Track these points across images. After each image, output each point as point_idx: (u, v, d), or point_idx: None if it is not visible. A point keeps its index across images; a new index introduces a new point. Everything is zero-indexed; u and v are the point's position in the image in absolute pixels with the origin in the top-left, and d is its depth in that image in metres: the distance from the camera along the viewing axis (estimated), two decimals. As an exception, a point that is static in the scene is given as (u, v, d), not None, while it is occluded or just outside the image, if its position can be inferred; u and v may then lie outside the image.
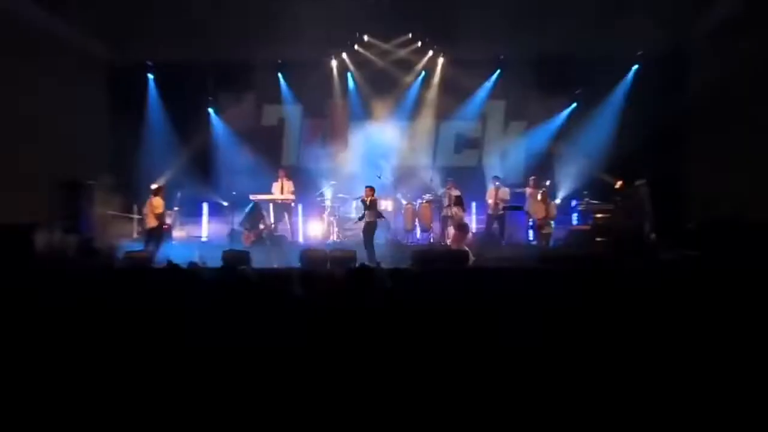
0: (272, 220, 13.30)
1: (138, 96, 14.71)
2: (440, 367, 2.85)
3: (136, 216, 13.34)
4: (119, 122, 14.05)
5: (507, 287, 4.22)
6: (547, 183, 13.39)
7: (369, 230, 11.54)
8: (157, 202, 11.53)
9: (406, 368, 2.83)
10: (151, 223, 11.48)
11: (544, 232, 12.40)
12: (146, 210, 11.61)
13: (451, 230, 12.64)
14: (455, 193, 13.11)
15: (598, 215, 12.83)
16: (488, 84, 14.95)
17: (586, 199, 13.34)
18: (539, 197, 12.74)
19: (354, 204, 13.72)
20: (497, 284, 4.44)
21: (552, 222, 12.62)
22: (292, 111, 15.59)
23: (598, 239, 11.86)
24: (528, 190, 13.10)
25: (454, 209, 12.55)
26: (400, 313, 3.36)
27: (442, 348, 2.94)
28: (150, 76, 14.97)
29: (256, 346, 3.03)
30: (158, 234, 11.54)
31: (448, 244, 12.86)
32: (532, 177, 13.38)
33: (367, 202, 11.64)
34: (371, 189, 11.78)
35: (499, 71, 14.81)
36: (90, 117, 13.76)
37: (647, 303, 3.57)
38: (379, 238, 13.02)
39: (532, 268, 9.90)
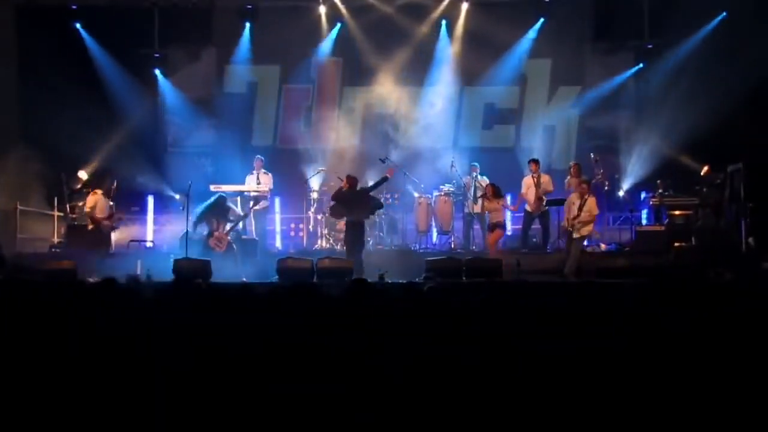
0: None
1: (61, 50, 14.65)
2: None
3: (56, 213, 13.36)
4: (35, 83, 14.14)
5: (551, 310, 4.19)
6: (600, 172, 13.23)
7: (353, 233, 11.43)
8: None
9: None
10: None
11: (574, 236, 11.21)
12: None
13: (478, 230, 12.60)
14: (484, 181, 13.07)
15: (676, 212, 12.77)
16: (529, 37, 14.90)
17: (660, 191, 13.30)
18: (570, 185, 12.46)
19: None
20: (538, 305, 4.40)
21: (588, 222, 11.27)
22: (265, 74, 15.58)
23: (677, 244, 11.84)
24: (569, 180, 12.89)
25: (492, 202, 12.13)
26: (408, 344, 3.34)
27: (466, 401, 2.89)
28: (77, 24, 14.99)
29: (212, 388, 3.02)
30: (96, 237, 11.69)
31: (474, 250, 12.85)
32: (573, 162, 13.26)
33: (344, 193, 11.39)
34: (351, 179, 11.50)
35: (542, 19, 14.75)
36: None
37: (745, 333, 3.52)
38: (384, 243, 13.06)
39: (585, 282, 9.92)
